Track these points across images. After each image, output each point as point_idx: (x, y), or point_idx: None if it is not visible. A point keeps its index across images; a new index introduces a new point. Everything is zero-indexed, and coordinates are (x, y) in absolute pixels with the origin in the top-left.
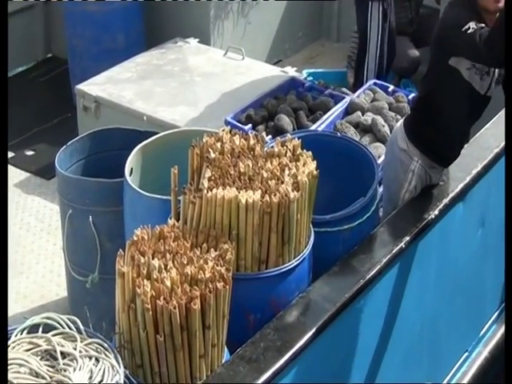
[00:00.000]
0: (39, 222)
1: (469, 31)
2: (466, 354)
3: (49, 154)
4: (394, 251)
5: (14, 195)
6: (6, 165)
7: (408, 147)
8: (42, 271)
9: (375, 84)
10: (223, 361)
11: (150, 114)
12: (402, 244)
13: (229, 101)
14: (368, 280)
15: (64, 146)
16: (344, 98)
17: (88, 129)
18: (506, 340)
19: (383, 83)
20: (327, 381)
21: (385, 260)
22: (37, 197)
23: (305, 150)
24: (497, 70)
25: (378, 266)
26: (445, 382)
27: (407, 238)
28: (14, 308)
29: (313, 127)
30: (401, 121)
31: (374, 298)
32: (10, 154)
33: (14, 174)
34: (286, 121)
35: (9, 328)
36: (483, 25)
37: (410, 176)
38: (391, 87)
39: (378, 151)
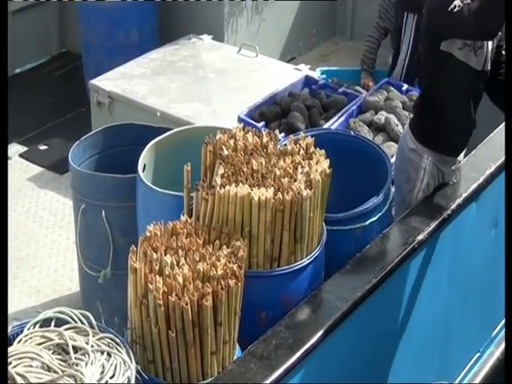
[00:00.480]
0: (52, 216)
1: (455, 9)
2: (478, 354)
3: (62, 149)
4: (406, 250)
5: (27, 189)
6: (6, 164)
7: (417, 147)
8: (54, 265)
9: (389, 83)
10: (235, 358)
11: (163, 110)
12: (415, 243)
13: (242, 98)
14: (380, 279)
15: (77, 141)
16: (357, 96)
17: (101, 124)
18: (507, 341)
19: (397, 82)
20: (339, 379)
21: (397, 259)
22: (50, 191)
23: (318, 149)
24: (490, 43)
25: (391, 265)
26: (456, 382)
27: (420, 238)
28: (26, 302)
29: (326, 125)
30: (407, 124)
31: (386, 297)
32: (24, 149)
33: (28, 169)
34: (299, 118)
35: (21, 322)
36: (469, 0)
37: (422, 174)
38: (405, 86)
39: (391, 150)
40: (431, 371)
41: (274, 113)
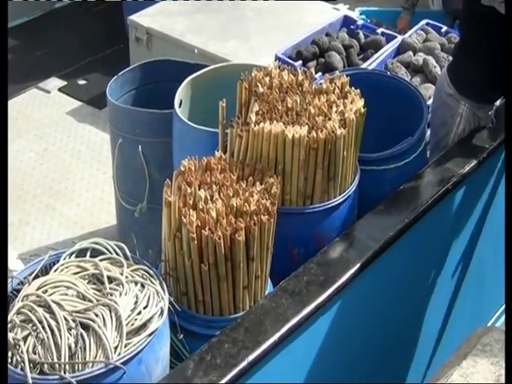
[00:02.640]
0: (90, 150)
1: None
2: None
3: (101, 84)
4: (440, 192)
5: (65, 123)
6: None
7: (454, 92)
8: (91, 199)
9: (428, 24)
10: (266, 292)
11: (201, 47)
12: (449, 185)
13: (280, 37)
14: (413, 220)
15: (115, 76)
16: (396, 37)
17: (140, 60)
18: (507, 339)
19: (436, 23)
20: (369, 317)
21: (431, 200)
22: (88, 125)
23: (353, 88)
24: None
25: (424, 206)
26: (489, 324)
27: (454, 180)
28: (64, 234)
29: (363, 65)
30: (444, 68)
31: (418, 237)
32: (63, 83)
33: (66, 103)
34: (336, 58)
35: (57, 251)
36: None
37: (459, 120)
38: (444, 28)
39: (429, 92)
40: (463, 314)
41: (311, 52)
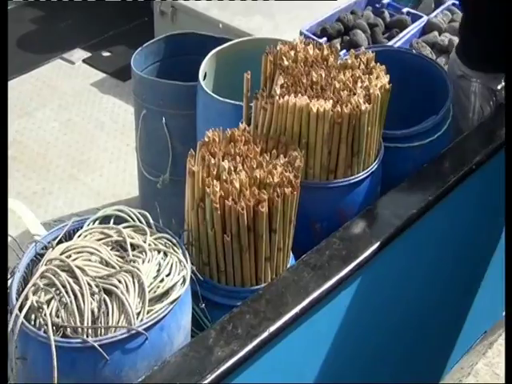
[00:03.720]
0: (113, 122)
1: None
2: None
3: (125, 56)
4: (463, 171)
5: (89, 94)
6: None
7: (464, 72)
8: (114, 170)
9: (453, 4)
10: (288, 265)
11: (225, 22)
12: (473, 164)
13: (305, 13)
14: (436, 197)
15: (140, 48)
16: (421, 17)
17: (164, 33)
18: (507, 339)
19: None
20: (391, 293)
21: (454, 179)
22: (112, 97)
23: (378, 64)
24: None
25: (448, 184)
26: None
27: (478, 159)
28: (86, 203)
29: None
30: (453, 52)
31: (441, 215)
32: (87, 54)
33: (91, 74)
34: (361, 36)
35: (81, 217)
36: None
37: (473, 98)
38: None
39: None
40: (485, 299)
41: (336, 30)
